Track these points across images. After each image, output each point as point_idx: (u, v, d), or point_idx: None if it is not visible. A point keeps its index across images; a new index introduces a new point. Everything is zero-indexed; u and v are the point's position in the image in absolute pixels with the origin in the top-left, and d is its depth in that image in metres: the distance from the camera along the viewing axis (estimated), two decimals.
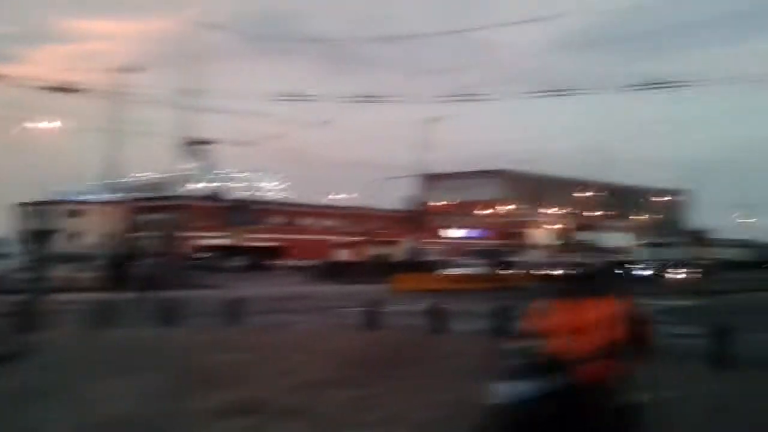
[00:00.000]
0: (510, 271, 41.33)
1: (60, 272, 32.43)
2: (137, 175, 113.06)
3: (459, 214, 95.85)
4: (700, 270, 44.75)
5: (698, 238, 63.95)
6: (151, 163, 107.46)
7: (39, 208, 63.59)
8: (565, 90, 22.70)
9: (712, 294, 31.92)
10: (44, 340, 12.02)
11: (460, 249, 77.65)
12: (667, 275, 45.49)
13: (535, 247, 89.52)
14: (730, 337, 10.08)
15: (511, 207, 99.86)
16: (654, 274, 46.73)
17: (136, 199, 72.58)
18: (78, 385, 8.03)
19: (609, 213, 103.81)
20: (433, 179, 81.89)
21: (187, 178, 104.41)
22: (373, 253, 57.63)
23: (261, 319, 16.77)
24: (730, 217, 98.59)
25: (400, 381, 8.42)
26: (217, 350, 10.77)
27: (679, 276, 43.77)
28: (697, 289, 34.37)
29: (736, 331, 10.17)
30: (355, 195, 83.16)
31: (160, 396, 7.40)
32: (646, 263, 54.27)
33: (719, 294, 32.08)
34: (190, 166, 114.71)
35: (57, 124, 38.34)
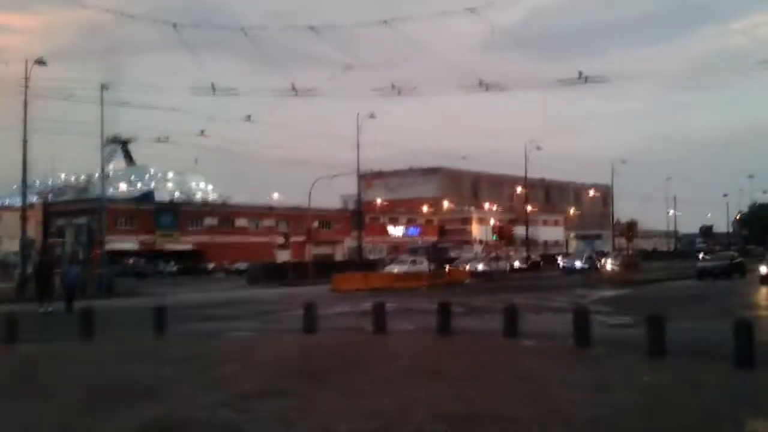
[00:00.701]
0: (450, 267, 41.66)
1: None
2: (59, 176, 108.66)
3: (399, 212, 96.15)
4: (626, 260, 46.22)
5: (623, 230, 65.91)
6: (72, 163, 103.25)
7: None
8: (498, 85, 22.73)
9: (637, 284, 33.07)
10: None
11: (400, 247, 77.93)
12: (599, 266, 46.67)
13: (473, 243, 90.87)
14: (661, 326, 10.27)
15: (450, 204, 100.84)
16: (586, 265, 47.92)
17: (57, 203, 69.26)
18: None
19: (542, 207, 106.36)
20: (372, 177, 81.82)
21: (111, 180, 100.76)
22: (314, 254, 56.93)
23: (191, 327, 16.03)
24: (654, 208, 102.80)
25: (336, 388, 8.02)
26: (139, 363, 10.07)
27: (608, 267, 45.01)
28: (624, 279, 35.52)
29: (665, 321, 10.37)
30: (292, 194, 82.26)
31: (65, 416, 6.74)
32: (579, 255, 55.67)
33: (643, 284, 33.27)
34: (113, 166, 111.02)
35: None
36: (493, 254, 53.79)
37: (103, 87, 31.89)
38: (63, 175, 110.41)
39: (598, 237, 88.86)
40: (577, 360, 10.39)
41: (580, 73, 21.28)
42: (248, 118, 29.68)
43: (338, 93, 68.48)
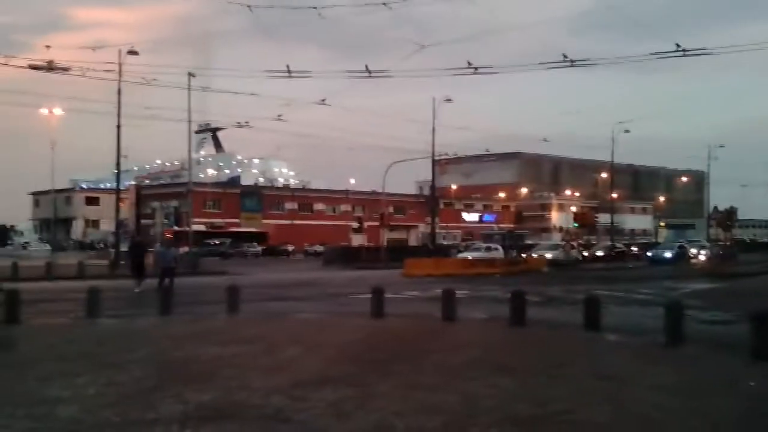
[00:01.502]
0: (526, 255, 40.36)
1: (74, 259, 32.17)
2: (155, 162, 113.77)
3: (474, 197, 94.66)
4: (721, 251, 43.38)
5: (720, 218, 62.12)
6: (168, 150, 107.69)
7: (54, 196, 63.73)
8: (585, 60, 21.33)
9: (734, 276, 30.88)
10: (24, 331, 11.33)
11: (475, 233, 76.67)
12: (691, 257, 44.15)
13: (552, 230, 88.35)
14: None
15: (528, 190, 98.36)
16: (676, 256, 45.52)
17: (150, 186, 72.44)
18: (38, 383, 7.24)
19: (629, 194, 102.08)
20: (447, 162, 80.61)
21: (201, 165, 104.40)
22: (388, 238, 56.74)
23: (262, 306, 16.06)
24: (753, 195, 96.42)
25: (399, 377, 7.53)
26: (207, 342, 9.95)
27: (701, 258, 42.41)
28: (719, 271, 33.34)
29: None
30: (368, 180, 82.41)
31: (122, 397, 6.57)
32: (668, 245, 52.96)
33: (741, 276, 31.01)
34: (203, 153, 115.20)
35: (61, 111, 37.58)
36: (573, 242, 51.90)
37: (190, 75, 32.70)
38: (159, 161, 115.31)
39: (691, 226, 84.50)
40: (668, 359, 9.43)
41: (678, 46, 19.51)
42: (323, 101, 29.40)
43: (412, 74, 67.27)
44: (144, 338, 10.65)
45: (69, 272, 27.42)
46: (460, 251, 42.40)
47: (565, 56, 20.68)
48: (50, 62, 22.15)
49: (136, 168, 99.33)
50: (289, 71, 21.33)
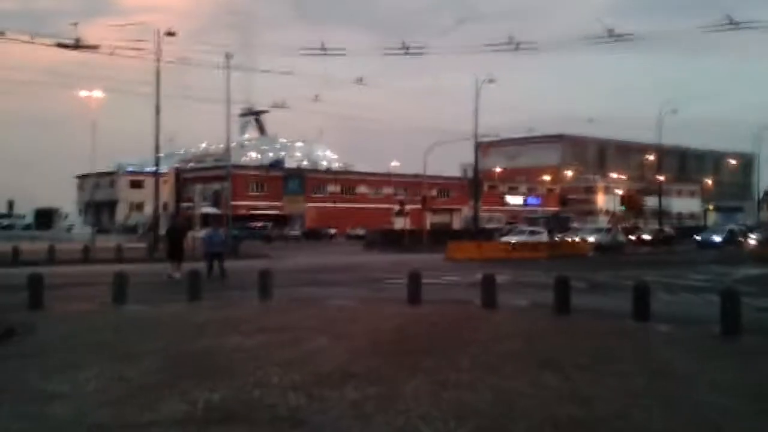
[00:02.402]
0: (571, 239, 39.23)
1: (115, 243, 32.48)
2: (200, 145, 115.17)
3: (518, 180, 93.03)
4: None
5: None
6: (211, 133, 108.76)
7: (98, 179, 64.89)
8: (630, 36, 20.24)
9: None
10: (44, 318, 11.04)
11: (519, 216, 75.34)
12: (742, 241, 42.32)
13: (598, 213, 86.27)
14: None
15: (573, 172, 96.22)
16: (726, 240, 43.77)
17: (191, 169, 73.11)
18: (40, 376, 6.86)
19: (676, 177, 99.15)
20: (490, 145, 79.25)
21: (245, 149, 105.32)
22: (431, 222, 56.08)
23: (297, 292, 15.69)
24: None
25: (430, 373, 6.94)
26: (232, 331, 9.54)
27: (750, 242, 40.64)
28: None
29: None
30: (411, 162, 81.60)
31: (125, 394, 6.11)
32: (717, 228, 51.06)
33: None
34: (247, 136, 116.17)
35: (101, 94, 37.84)
36: (620, 225, 50.37)
37: (228, 56, 32.64)
38: (204, 145, 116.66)
39: (739, 209, 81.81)
40: (726, 353, 8.65)
41: (730, 18, 18.30)
42: (360, 80, 28.87)
43: (450, 51, 65.89)
44: (166, 326, 10.28)
45: (107, 256, 27.55)
46: (503, 235, 41.49)
47: (610, 31, 19.66)
48: (77, 40, 22.15)
49: (182, 151, 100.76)
50: (323, 48, 20.84)
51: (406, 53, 20.44)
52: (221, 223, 34.19)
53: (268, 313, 11.77)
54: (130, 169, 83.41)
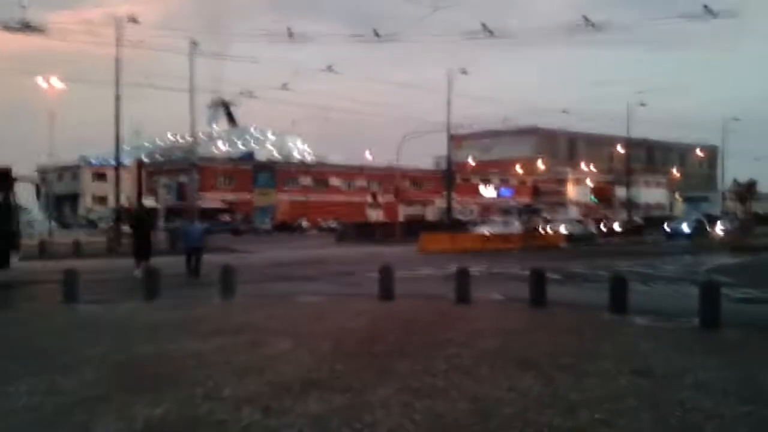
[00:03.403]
0: (544, 230, 39.17)
1: (74, 237, 31.32)
2: (167, 136, 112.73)
3: (491, 172, 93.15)
4: (738, 225, 42.03)
5: (740, 191, 60.54)
6: (177, 123, 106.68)
7: (60, 172, 62.91)
8: (608, 25, 19.94)
9: (754, 250, 29.67)
10: None
11: (492, 208, 75.30)
12: (709, 231, 42.73)
13: (568, 204, 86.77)
14: None
15: (545, 165, 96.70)
16: (694, 230, 44.11)
17: (155, 163, 71.51)
18: None
19: (645, 169, 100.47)
20: (463, 138, 79.01)
21: (214, 140, 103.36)
22: (405, 214, 55.66)
23: (264, 288, 15.02)
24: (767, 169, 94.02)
25: (401, 379, 6.41)
26: (186, 333, 8.87)
27: (718, 231, 41.13)
28: (739, 245, 32.20)
29: None
30: (385, 155, 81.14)
31: (54, 412, 5.43)
32: (686, 218, 51.55)
33: (762, 250, 29.78)
34: (216, 127, 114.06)
35: (62, 84, 36.40)
36: (590, 216, 50.62)
37: (193, 43, 31.68)
38: (171, 137, 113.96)
39: (705, 199, 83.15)
40: (708, 348, 8.30)
41: (706, 7, 18.14)
42: (329, 68, 28.22)
43: (423, 39, 65.39)
44: (116, 328, 9.55)
45: (64, 251, 26.31)
46: (477, 225, 41.28)
47: (586, 19, 19.34)
48: (25, 23, 21.14)
49: (148, 144, 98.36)
50: (290, 33, 20.17)
51: (378, 40, 19.82)
52: (190, 217, 33.28)
53: (229, 312, 11.08)
54: (92, 162, 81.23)
